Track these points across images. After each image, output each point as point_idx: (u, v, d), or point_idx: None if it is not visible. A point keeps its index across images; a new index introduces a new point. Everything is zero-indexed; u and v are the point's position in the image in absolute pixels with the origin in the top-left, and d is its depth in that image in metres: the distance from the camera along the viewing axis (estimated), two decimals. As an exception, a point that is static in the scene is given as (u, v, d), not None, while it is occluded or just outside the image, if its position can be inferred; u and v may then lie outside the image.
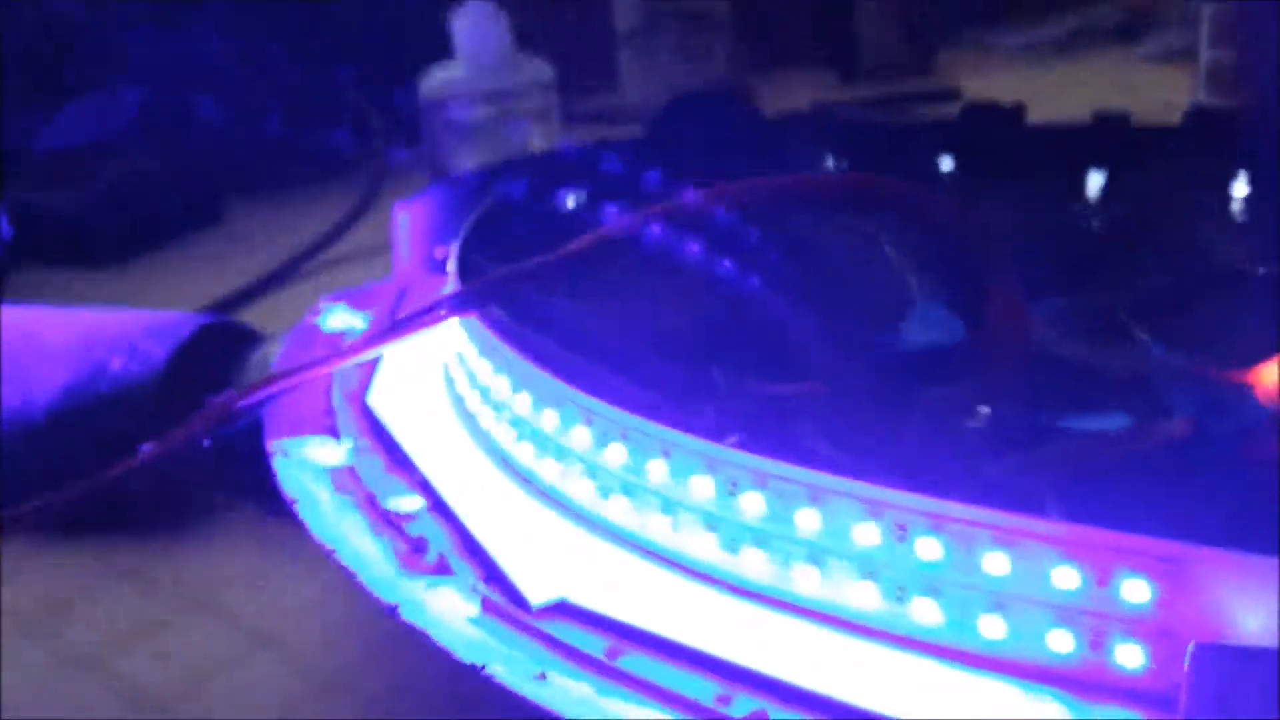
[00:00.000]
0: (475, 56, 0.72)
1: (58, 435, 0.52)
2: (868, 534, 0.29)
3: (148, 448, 0.39)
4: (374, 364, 0.46)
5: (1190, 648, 0.23)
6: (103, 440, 0.48)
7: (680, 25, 0.88)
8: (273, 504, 0.42)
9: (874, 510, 0.29)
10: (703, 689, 0.28)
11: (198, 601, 0.50)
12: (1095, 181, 0.62)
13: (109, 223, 0.92)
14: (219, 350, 0.55)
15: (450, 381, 0.43)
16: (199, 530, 0.55)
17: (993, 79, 1.04)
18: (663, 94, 0.82)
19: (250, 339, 0.56)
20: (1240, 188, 0.59)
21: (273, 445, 0.39)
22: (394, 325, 0.39)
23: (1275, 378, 0.41)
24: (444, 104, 0.73)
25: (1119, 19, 1.12)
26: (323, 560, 0.50)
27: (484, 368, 0.39)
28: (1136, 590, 0.26)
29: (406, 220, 0.54)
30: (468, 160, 0.71)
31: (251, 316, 0.72)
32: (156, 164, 0.96)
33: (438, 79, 0.74)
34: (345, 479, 0.37)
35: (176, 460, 0.40)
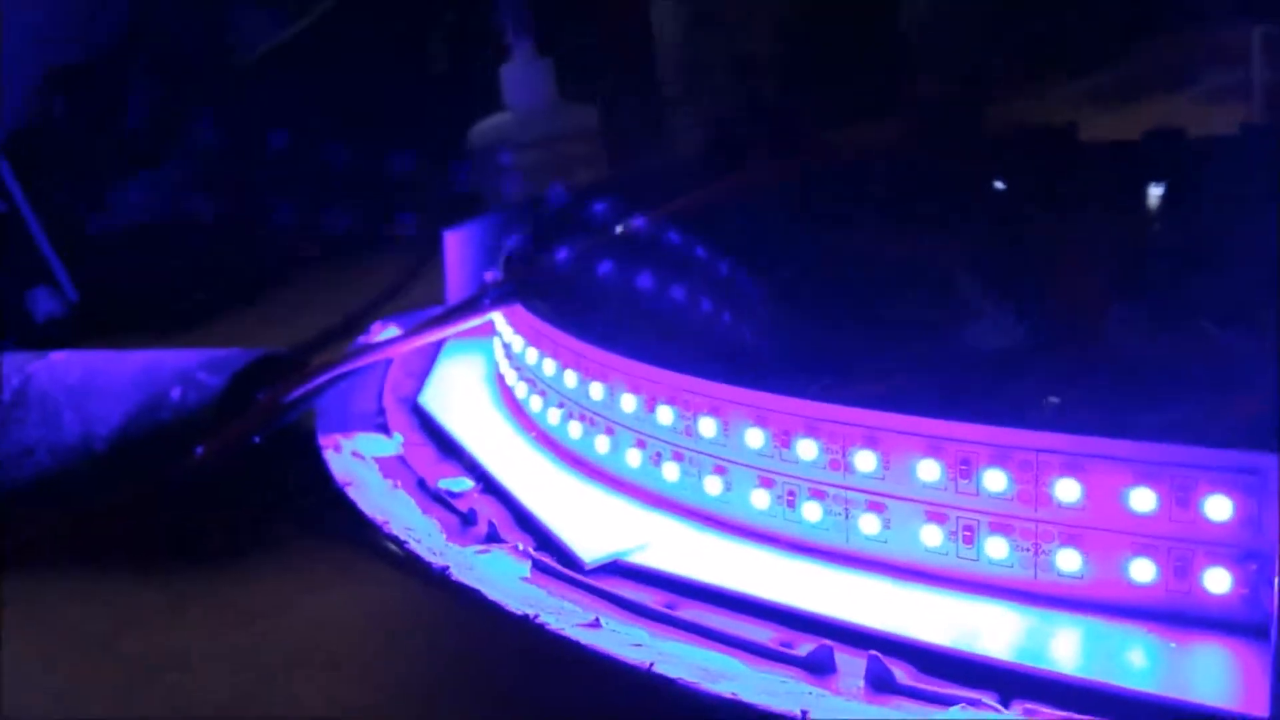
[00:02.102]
0: (523, 105, 0.74)
1: (120, 462, 0.52)
2: (929, 471, 0.28)
3: (202, 449, 0.40)
4: (426, 371, 0.46)
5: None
6: (165, 463, 0.49)
7: (728, 79, 0.89)
8: (332, 529, 0.42)
9: (934, 447, 0.28)
10: (761, 634, 0.27)
11: (257, 621, 0.50)
12: (1155, 194, 0.61)
13: (171, 295, 0.95)
14: (276, 380, 0.55)
15: (497, 380, 0.43)
16: (262, 557, 0.55)
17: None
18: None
19: (305, 369, 0.57)
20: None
21: (324, 440, 0.39)
22: (436, 317, 0.39)
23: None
24: (493, 150, 0.74)
25: (1169, 63, 1.12)
26: (377, 579, 0.49)
27: (531, 355, 0.38)
28: (1219, 508, 0.25)
29: (456, 245, 0.54)
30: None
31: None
32: (210, 238, 0.99)
33: (488, 126, 0.76)
34: (395, 466, 0.37)
35: (231, 462, 0.40)
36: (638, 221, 0.46)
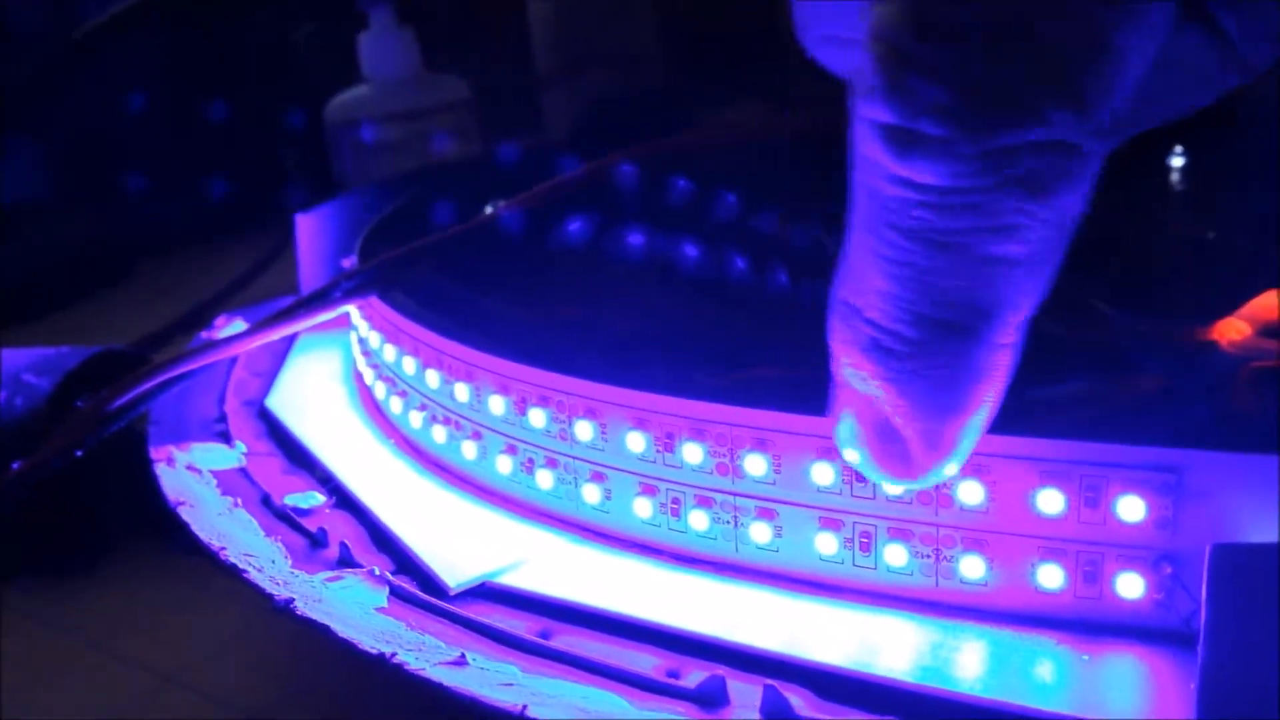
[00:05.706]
0: (383, 76, 0.69)
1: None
2: (823, 474, 0.26)
3: (19, 464, 0.35)
4: (275, 371, 0.42)
5: (1209, 549, 0.20)
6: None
7: (605, 67, 0.85)
8: (181, 542, 0.38)
9: (828, 449, 0.25)
10: (646, 663, 0.24)
11: (100, 644, 0.45)
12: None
13: (20, 282, 0.88)
14: (112, 380, 0.50)
15: (354, 379, 0.39)
16: (103, 573, 0.50)
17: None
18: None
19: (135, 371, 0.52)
20: (1175, 161, 0.57)
21: (156, 452, 0.35)
22: (283, 310, 0.36)
23: (1236, 331, 0.39)
24: (352, 125, 0.69)
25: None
26: (233, 595, 0.45)
27: (389, 352, 0.35)
28: (1132, 509, 0.23)
29: (309, 230, 0.50)
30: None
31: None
32: (68, 223, 0.92)
33: (345, 100, 0.71)
34: (236, 480, 0.33)
35: (54, 476, 0.35)
36: (507, 205, 0.43)
